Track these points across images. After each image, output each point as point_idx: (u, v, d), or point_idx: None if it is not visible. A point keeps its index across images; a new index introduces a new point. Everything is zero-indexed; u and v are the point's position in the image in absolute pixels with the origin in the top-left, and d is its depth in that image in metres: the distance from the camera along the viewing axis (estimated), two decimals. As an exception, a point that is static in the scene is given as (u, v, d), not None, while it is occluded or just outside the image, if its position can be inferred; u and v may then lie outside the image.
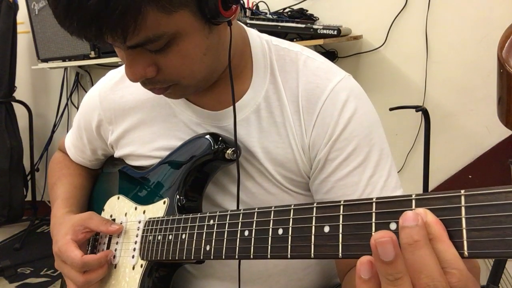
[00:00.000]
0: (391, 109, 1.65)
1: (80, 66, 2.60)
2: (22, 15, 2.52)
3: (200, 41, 0.60)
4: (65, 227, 0.77)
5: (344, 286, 0.71)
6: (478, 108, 1.85)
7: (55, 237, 0.78)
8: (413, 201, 0.37)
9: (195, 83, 0.65)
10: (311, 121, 0.70)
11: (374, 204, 0.39)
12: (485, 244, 0.32)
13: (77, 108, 2.75)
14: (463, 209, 0.34)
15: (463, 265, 0.34)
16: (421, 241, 0.34)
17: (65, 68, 2.72)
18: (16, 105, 2.61)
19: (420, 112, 1.67)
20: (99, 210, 0.87)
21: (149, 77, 0.60)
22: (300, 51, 0.74)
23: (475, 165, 1.88)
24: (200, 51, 0.61)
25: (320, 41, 1.75)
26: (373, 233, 0.38)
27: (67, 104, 2.79)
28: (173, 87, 0.64)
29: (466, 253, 0.34)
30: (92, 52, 2.20)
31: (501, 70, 1.26)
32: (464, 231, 0.34)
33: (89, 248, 0.83)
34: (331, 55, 2.04)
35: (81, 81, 2.75)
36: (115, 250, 0.78)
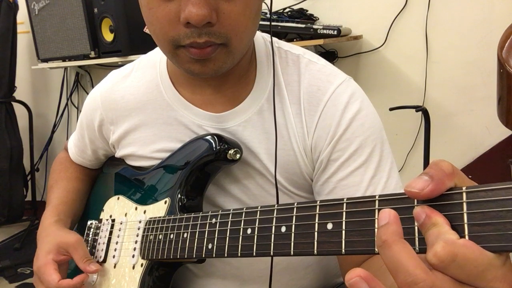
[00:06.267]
0: (391, 109, 1.65)
1: (80, 66, 2.60)
2: (22, 15, 2.52)
3: None
4: (49, 243, 0.78)
5: None
6: (478, 108, 1.85)
7: (38, 250, 0.79)
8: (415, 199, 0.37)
9: (240, 49, 0.64)
10: (312, 122, 0.70)
11: (377, 201, 0.40)
12: (487, 238, 0.33)
13: (77, 108, 2.77)
14: (464, 205, 0.34)
15: (452, 238, 0.33)
16: (388, 239, 0.34)
17: (65, 68, 2.73)
18: (16, 105, 2.61)
19: (420, 112, 1.67)
20: (98, 210, 0.87)
21: (211, 22, 0.58)
22: (302, 54, 0.75)
23: (475, 165, 1.88)
24: (256, 5, 0.62)
25: (320, 41, 1.75)
26: (376, 230, 0.38)
27: (67, 104, 2.79)
28: (221, 48, 0.62)
29: None
30: (92, 52, 2.20)
31: (501, 70, 1.26)
32: (466, 226, 0.34)
33: (89, 247, 0.83)
34: (331, 55, 2.04)
35: (81, 81, 2.75)
36: (115, 249, 0.78)
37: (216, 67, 0.63)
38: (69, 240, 0.78)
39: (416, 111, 1.64)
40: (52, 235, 0.79)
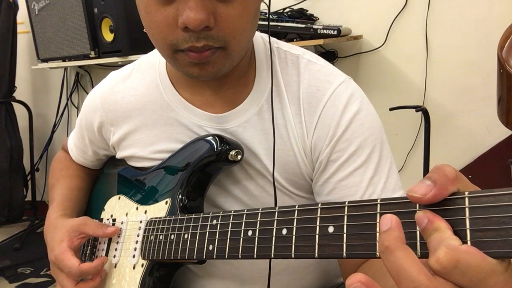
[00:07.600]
0: (391, 109, 1.65)
1: (80, 66, 2.60)
2: (22, 15, 2.52)
3: None
4: (59, 233, 0.77)
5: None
6: (478, 108, 1.85)
7: (50, 243, 0.78)
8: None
9: (238, 51, 0.65)
10: (312, 123, 0.70)
11: (378, 205, 0.40)
12: (489, 244, 0.33)
13: (77, 108, 2.76)
14: (467, 210, 0.34)
15: (455, 244, 0.33)
16: (391, 245, 0.34)
17: (65, 68, 2.73)
18: (16, 105, 2.61)
19: (420, 112, 1.67)
20: (99, 210, 0.87)
21: (209, 26, 0.58)
22: (301, 54, 0.75)
23: (475, 165, 1.88)
24: (254, 7, 0.62)
25: (320, 41, 1.75)
26: (377, 234, 0.38)
27: (67, 104, 2.79)
28: (219, 51, 0.62)
29: None
30: (92, 52, 2.20)
31: (501, 70, 1.26)
32: (468, 231, 0.34)
33: (89, 247, 0.83)
34: (331, 55, 2.04)
35: (81, 81, 2.75)
36: (115, 249, 0.78)
37: (214, 70, 0.64)
38: (77, 221, 0.78)
39: (416, 111, 1.64)
40: (60, 226, 0.79)
